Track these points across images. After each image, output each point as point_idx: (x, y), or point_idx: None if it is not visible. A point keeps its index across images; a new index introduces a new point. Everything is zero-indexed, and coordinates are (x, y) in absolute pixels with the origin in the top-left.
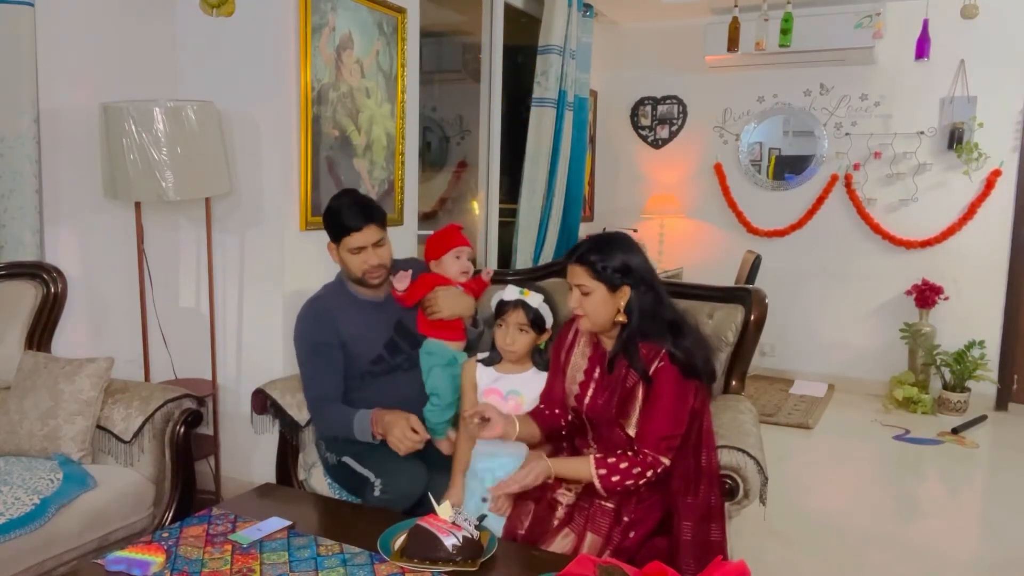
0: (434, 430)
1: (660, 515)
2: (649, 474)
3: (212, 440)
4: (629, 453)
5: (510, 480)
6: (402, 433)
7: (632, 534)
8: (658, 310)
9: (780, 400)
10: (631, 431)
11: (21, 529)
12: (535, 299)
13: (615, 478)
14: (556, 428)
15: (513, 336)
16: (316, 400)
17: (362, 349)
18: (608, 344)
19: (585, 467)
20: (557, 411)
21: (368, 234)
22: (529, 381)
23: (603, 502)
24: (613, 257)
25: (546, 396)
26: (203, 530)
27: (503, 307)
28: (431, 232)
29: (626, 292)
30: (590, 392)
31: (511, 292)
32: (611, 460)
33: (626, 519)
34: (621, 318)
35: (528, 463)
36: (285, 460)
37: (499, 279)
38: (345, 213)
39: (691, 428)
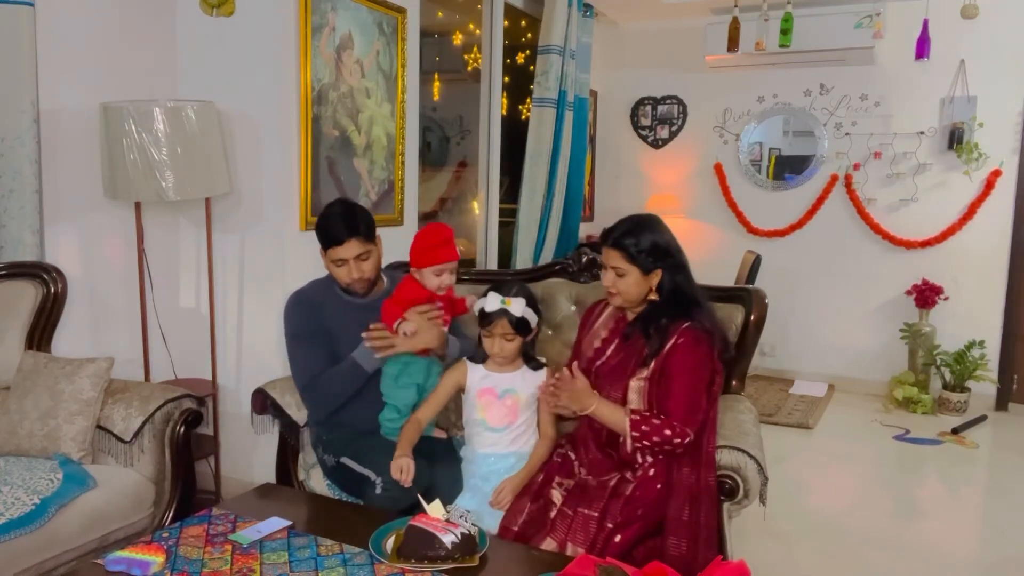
0: (387, 433)
1: (645, 522)
2: (676, 441)
3: (212, 440)
4: (663, 416)
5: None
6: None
7: (618, 538)
8: (685, 289)
9: (780, 400)
10: (632, 395)
11: (21, 529)
12: (517, 306)
13: (645, 427)
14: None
15: (500, 345)
16: (309, 382)
17: (343, 345)
18: (631, 316)
19: (620, 414)
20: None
21: (350, 247)
22: (522, 379)
23: (586, 509)
24: (645, 239)
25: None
26: (203, 530)
27: (487, 317)
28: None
29: (658, 274)
30: (605, 356)
31: (493, 302)
32: (646, 413)
33: (610, 525)
34: (653, 296)
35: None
36: (285, 460)
37: (499, 278)
38: (330, 224)
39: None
